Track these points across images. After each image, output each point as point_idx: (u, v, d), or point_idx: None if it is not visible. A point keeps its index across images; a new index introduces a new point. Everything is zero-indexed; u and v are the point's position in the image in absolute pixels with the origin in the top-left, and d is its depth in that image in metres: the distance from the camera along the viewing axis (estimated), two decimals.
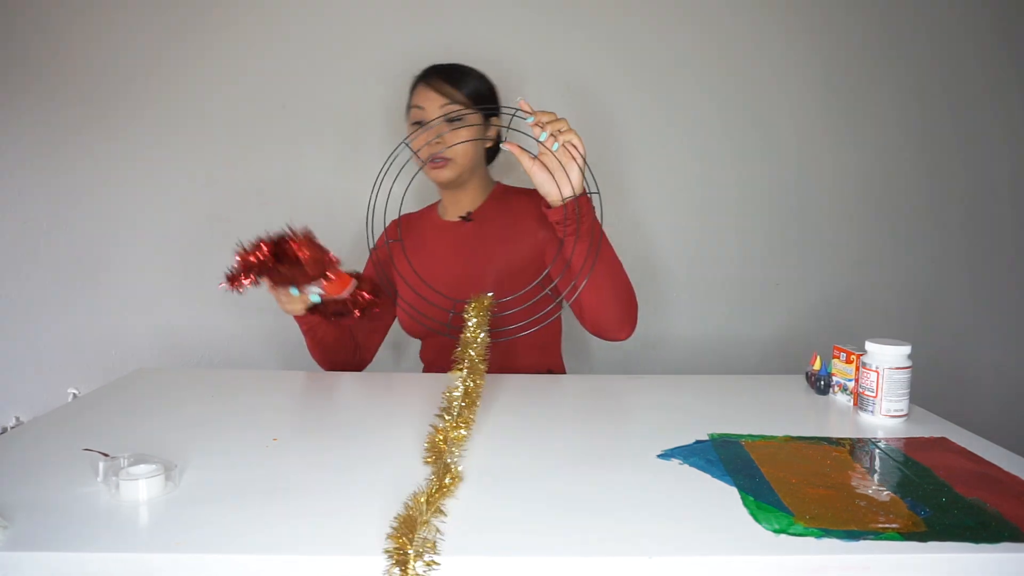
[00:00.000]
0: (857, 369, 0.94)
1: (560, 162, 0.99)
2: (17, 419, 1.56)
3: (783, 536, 0.59)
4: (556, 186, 1.00)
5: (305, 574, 0.55)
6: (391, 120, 1.58)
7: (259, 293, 1.61)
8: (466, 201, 1.25)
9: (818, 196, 1.67)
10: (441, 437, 0.73)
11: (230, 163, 1.57)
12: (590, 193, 1.02)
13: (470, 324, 0.94)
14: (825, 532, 0.59)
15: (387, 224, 1.28)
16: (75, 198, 1.54)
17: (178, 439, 0.79)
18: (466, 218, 1.24)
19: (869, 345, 0.90)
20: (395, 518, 0.58)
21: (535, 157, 1.01)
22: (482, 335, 0.92)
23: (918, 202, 1.69)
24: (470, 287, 1.16)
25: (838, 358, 0.98)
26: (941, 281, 1.71)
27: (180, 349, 1.60)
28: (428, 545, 0.55)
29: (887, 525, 0.61)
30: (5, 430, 1.55)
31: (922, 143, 1.67)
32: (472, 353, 0.89)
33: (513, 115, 1.06)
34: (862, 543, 0.58)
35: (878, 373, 0.88)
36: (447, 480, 0.65)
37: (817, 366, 1.02)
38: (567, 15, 1.57)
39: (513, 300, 1.14)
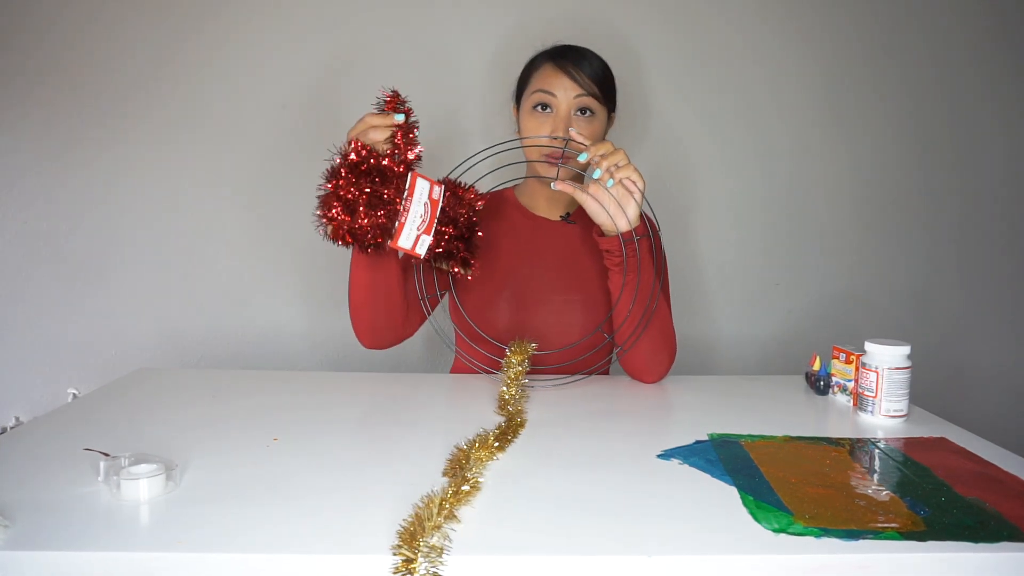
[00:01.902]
0: (857, 369, 0.94)
1: (615, 197, 0.97)
2: (17, 419, 1.56)
3: (783, 536, 0.59)
4: (610, 217, 0.98)
5: (306, 573, 0.55)
6: None
7: (257, 292, 1.61)
8: (566, 200, 1.16)
9: (818, 196, 1.67)
10: (464, 459, 0.72)
11: (230, 162, 1.57)
12: (638, 238, 1.00)
13: (510, 373, 0.94)
14: (824, 531, 0.59)
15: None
16: (75, 199, 1.54)
17: (179, 439, 0.79)
18: (567, 219, 1.17)
19: (868, 345, 0.90)
20: (404, 520, 0.58)
21: (586, 190, 0.98)
22: (519, 388, 0.93)
23: (917, 202, 1.69)
24: (579, 290, 1.12)
25: (837, 358, 0.99)
26: (941, 281, 1.71)
27: (180, 349, 1.60)
28: (436, 550, 0.55)
29: (886, 524, 0.61)
30: (5, 430, 1.55)
31: (922, 143, 1.67)
32: (511, 408, 0.90)
33: (565, 147, 1.04)
34: (861, 542, 0.58)
35: (877, 373, 0.88)
36: (464, 488, 0.64)
37: (817, 366, 1.02)
38: (559, 20, 1.57)
39: (571, 331, 1.10)
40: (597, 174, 0.96)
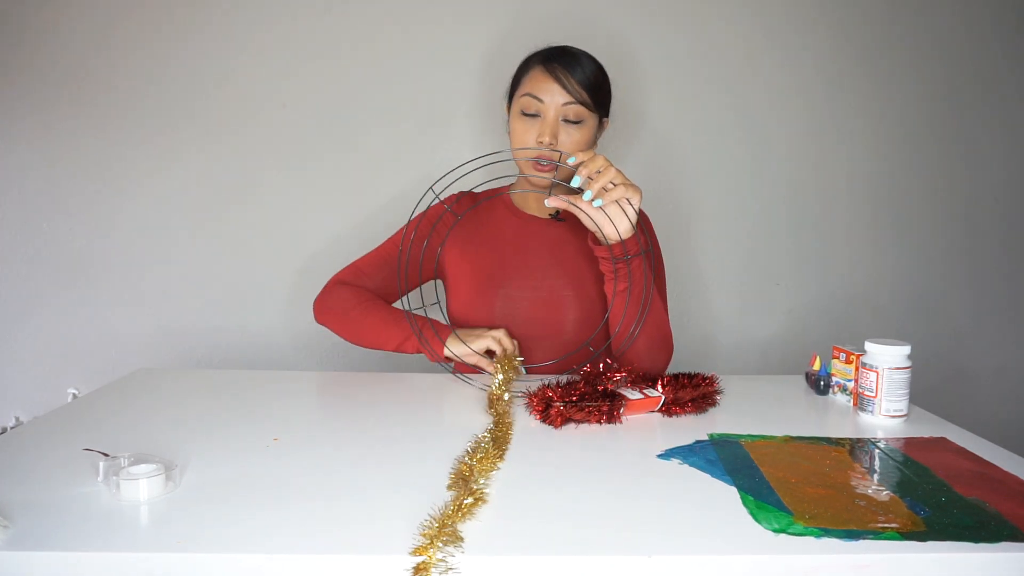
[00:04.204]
0: (857, 369, 0.94)
1: (608, 214, 0.96)
2: (17, 419, 1.56)
3: (783, 536, 0.59)
4: (602, 228, 0.98)
5: (306, 574, 0.55)
6: (393, 119, 1.58)
7: (257, 292, 1.61)
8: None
9: (819, 196, 1.67)
10: (467, 470, 0.70)
11: (230, 163, 1.57)
12: (632, 255, 0.99)
13: (497, 379, 0.93)
14: (824, 532, 0.59)
15: (437, 197, 1.06)
16: (75, 198, 1.54)
17: (178, 439, 0.79)
18: (557, 217, 1.16)
19: (869, 345, 0.90)
20: (421, 525, 0.58)
21: (579, 203, 0.97)
22: (507, 395, 0.92)
23: (918, 202, 1.69)
24: (570, 287, 1.12)
25: (838, 358, 0.98)
26: (941, 281, 1.71)
27: (180, 349, 1.60)
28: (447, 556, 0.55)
29: (886, 525, 0.61)
30: (5, 430, 1.55)
31: (923, 143, 1.67)
32: (499, 409, 0.89)
33: (558, 163, 1.03)
34: (861, 543, 0.58)
35: (878, 373, 0.88)
36: (468, 501, 0.63)
37: (817, 366, 1.02)
38: (555, 20, 1.57)
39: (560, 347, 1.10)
40: (588, 195, 0.95)
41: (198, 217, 1.57)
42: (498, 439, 0.79)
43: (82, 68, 1.51)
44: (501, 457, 0.75)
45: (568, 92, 1.05)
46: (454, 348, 1.03)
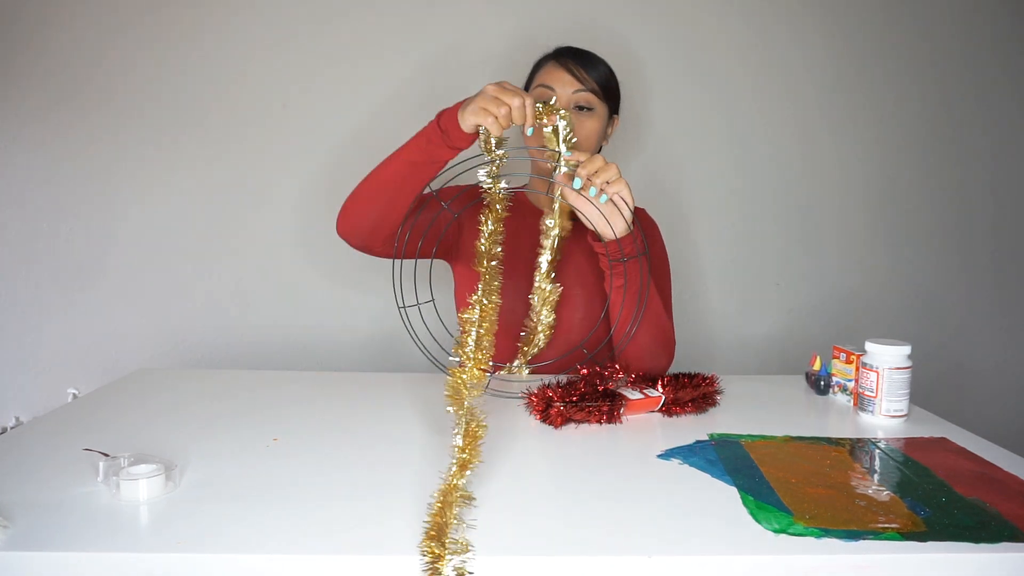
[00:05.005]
0: (857, 369, 0.94)
1: (604, 213, 0.98)
2: (17, 419, 1.56)
3: (783, 536, 0.59)
4: (606, 222, 0.99)
5: (306, 574, 0.55)
6: (397, 122, 1.58)
7: (257, 292, 1.61)
8: None
9: (819, 196, 1.67)
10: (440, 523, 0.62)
11: (230, 162, 1.57)
12: (628, 257, 1.00)
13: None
14: (825, 532, 0.59)
15: (434, 195, 1.10)
16: (75, 198, 1.54)
17: (178, 439, 0.79)
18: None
19: (869, 345, 0.90)
20: (426, 519, 0.59)
21: (580, 198, 0.99)
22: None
23: (919, 202, 1.69)
24: (579, 285, 1.13)
25: (838, 358, 0.98)
26: (941, 281, 1.71)
27: (180, 349, 1.60)
28: (461, 546, 0.56)
29: (887, 525, 0.61)
30: (5, 430, 1.55)
31: (924, 143, 1.67)
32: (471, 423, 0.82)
33: (557, 165, 1.04)
34: (862, 543, 0.58)
35: (878, 373, 0.88)
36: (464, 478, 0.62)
37: (817, 366, 1.02)
38: (562, 24, 1.57)
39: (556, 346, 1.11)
40: (592, 192, 0.96)
41: (198, 218, 1.57)
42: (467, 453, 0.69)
43: (81, 67, 1.51)
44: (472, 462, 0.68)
45: (578, 80, 1.10)
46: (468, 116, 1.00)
